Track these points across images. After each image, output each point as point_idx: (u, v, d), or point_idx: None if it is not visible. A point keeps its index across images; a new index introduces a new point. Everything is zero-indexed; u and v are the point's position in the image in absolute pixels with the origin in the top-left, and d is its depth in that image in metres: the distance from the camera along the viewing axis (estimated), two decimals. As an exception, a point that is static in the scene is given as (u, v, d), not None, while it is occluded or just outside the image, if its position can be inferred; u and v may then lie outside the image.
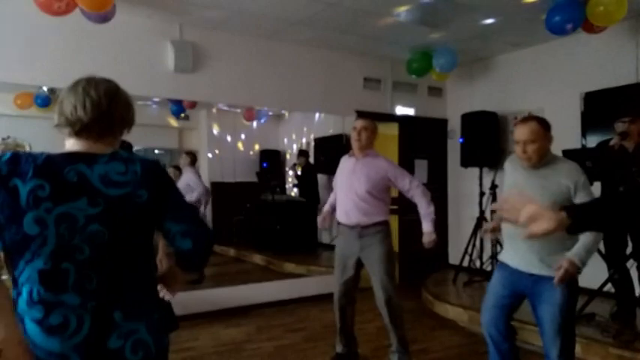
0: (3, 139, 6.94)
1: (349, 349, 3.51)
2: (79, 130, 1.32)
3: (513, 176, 2.63)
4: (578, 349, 3.56)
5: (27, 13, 3.74)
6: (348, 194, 3.33)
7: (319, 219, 3.64)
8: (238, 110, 8.19)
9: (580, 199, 2.38)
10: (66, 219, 1.23)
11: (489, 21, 4.73)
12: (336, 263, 3.47)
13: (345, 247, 3.39)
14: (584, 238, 2.34)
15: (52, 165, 1.26)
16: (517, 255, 2.55)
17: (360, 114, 5.86)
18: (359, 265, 3.38)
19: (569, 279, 2.34)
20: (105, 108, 1.35)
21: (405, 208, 6.21)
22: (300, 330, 4.28)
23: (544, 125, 2.48)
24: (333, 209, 3.55)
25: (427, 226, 3.27)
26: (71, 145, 1.34)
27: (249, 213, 8.16)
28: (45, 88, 5.77)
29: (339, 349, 3.52)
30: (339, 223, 3.46)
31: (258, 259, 7.21)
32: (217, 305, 4.68)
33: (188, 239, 1.36)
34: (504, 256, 2.66)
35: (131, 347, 1.26)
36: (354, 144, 3.34)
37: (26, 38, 4.05)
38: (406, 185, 3.33)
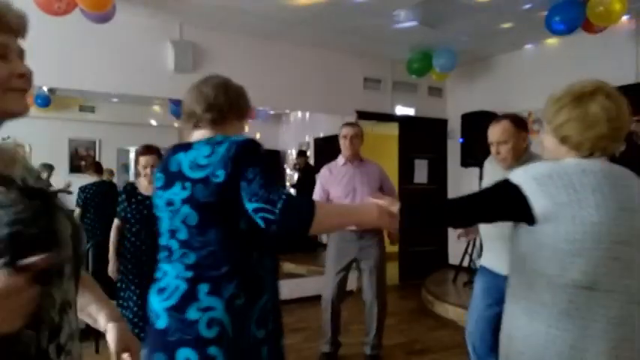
0: (3, 138, 6.91)
1: (336, 348, 3.57)
2: (196, 122, 1.50)
3: (494, 176, 2.57)
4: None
5: (27, 13, 3.74)
6: (351, 200, 3.42)
7: None
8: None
9: None
10: (169, 203, 1.41)
11: (489, 21, 4.73)
12: (330, 265, 3.54)
13: (342, 248, 3.47)
14: None
15: (166, 159, 1.48)
16: (493, 256, 2.46)
17: (361, 114, 5.87)
18: (351, 266, 3.51)
19: None
20: (212, 100, 1.49)
21: (405, 208, 6.22)
22: (300, 330, 4.27)
23: (518, 124, 2.35)
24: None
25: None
26: (192, 137, 1.51)
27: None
28: (45, 88, 5.76)
29: (326, 348, 3.55)
30: None
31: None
32: (217, 305, 4.67)
33: (260, 219, 1.27)
34: (483, 260, 2.58)
35: (206, 322, 1.32)
36: (347, 151, 3.51)
37: (26, 38, 4.05)
38: (389, 186, 3.58)
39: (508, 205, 1.38)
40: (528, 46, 5.60)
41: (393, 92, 6.22)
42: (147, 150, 3.33)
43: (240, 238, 1.38)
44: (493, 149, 2.38)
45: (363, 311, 3.60)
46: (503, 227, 2.35)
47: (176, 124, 8.15)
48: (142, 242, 3.26)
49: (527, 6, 4.32)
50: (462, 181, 6.39)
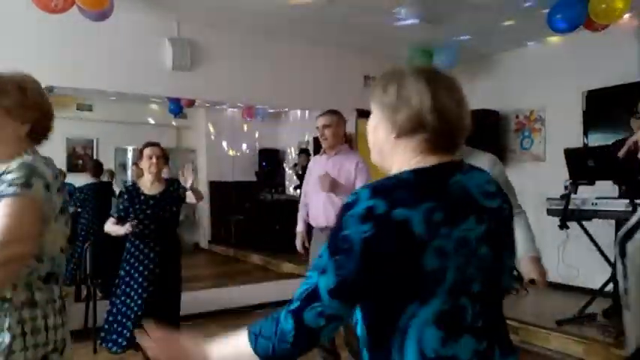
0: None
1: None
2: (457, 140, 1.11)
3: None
4: (579, 349, 3.53)
5: (24, 11, 3.70)
6: (319, 195, 3.17)
7: (297, 243, 3.40)
8: (237, 109, 8.15)
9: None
10: (463, 244, 1.01)
11: (491, 18, 4.69)
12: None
13: (314, 250, 3.21)
14: (525, 233, 2.22)
15: (432, 179, 1.04)
16: None
17: (361, 112, 5.83)
18: None
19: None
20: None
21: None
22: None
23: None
24: (309, 227, 3.35)
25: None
26: (427, 157, 1.08)
27: (248, 213, 8.12)
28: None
29: None
30: (312, 228, 3.33)
31: (256, 259, 7.18)
32: (215, 306, 4.64)
33: None
34: None
35: None
36: (322, 143, 3.24)
37: (23, 36, 4.01)
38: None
39: None
40: (530, 44, 5.56)
41: (393, 91, 6.18)
42: (151, 143, 3.31)
43: None
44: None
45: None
46: None
47: (174, 123, 8.13)
48: (146, 244, 3.22)
49: (529, 3, 4.28)
50: (463, 180, 6.36)
